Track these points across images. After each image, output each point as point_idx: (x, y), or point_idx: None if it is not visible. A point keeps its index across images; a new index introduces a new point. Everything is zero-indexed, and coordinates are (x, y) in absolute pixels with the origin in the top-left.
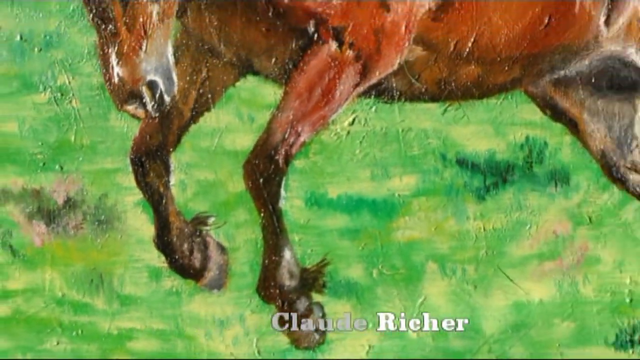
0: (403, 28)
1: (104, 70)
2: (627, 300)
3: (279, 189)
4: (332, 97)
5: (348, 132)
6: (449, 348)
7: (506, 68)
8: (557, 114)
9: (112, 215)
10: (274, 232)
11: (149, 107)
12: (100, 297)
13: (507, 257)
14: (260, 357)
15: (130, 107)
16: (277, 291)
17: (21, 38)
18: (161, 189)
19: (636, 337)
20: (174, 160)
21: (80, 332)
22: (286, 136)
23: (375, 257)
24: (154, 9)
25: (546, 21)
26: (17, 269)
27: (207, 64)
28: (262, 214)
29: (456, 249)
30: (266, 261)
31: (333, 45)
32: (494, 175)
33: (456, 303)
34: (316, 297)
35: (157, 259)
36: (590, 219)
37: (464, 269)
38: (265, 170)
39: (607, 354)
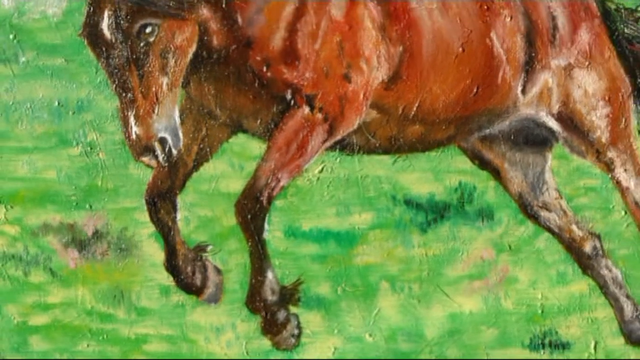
0: (362, 96)
1: (124, 129)
2: (539, 311)
3: (263, 223)
4: (305, 151)
5: (318, 178)
6: (398, 349)
7: (444, 127)
8: (483, 163)
9: (131, 244)
10: (259, 257)
11: (160, 158)
12: (121, 309)
13: (444, 277)
14: (248, 357)
15: (145, 159)
16: (262, 304)
17: (59, 104)
18: (170, 223)
19: (546, 341)
20: (179, 200)
21: (105, 336)
22: (269, 181)
23: (339, 277)
24: (164, 80)
25: (475, 90)
26: (55, 286)
27: (206, 124)
28: (249, 243)
29: (404, 270)
30: (253, 280)
31: (306, 109)
32: (433, 212)
33: (404, 314)
34: (293, 309)
35: (167, 279)
36: (510, 246)
37: (410, 286)
38: (252, 208)
39: (523, 354)
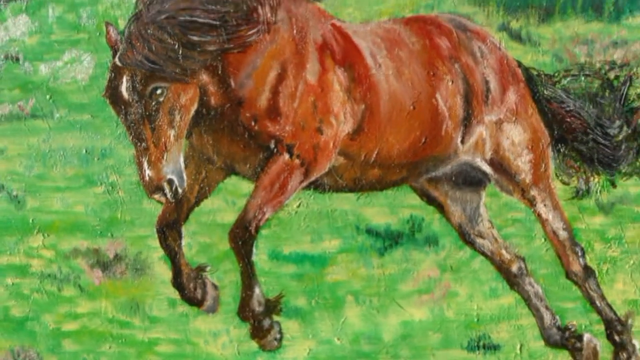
0: (331, 145)
1: (139, 172)
2: (475, 319)
3: (251, 248)
4: (286, 190)
5: (296, 212)
6: (362, 351)
7: (398, 171)
8: (430, 199)
9: (145, 265)
10: (248, 276)
11: (168, 196)
12: (137, 318)
13: (398, 292)
14: (240, 357)
15: (156, 196)
16: (251, 314)
17: (86, 151)
18: (176, 248)
19: (481, 343)
20: (184, 229)
21: (123, 340)
22: (256, 214)
23: (313, 292)
24: (171, 132)
25: (423, 140)
26: (83, 299)
27: (206, 168)
28: (240, 264)
29: (365, 287)
30: (243, 294)
31: (286, 156)
32: (390, 239)
33: (365, 321)
34: (276, 317)
35: (174, 293)
36: (451, 267)
37: (370, 299)
38: (242, 236)
39: (462, 355)
